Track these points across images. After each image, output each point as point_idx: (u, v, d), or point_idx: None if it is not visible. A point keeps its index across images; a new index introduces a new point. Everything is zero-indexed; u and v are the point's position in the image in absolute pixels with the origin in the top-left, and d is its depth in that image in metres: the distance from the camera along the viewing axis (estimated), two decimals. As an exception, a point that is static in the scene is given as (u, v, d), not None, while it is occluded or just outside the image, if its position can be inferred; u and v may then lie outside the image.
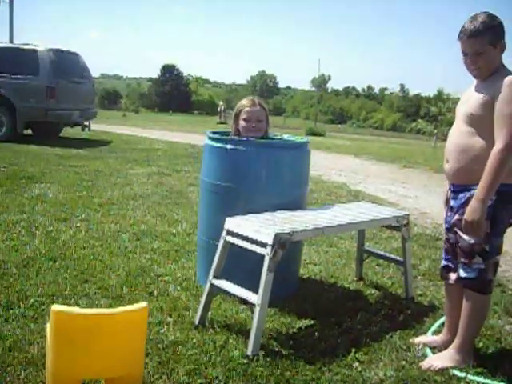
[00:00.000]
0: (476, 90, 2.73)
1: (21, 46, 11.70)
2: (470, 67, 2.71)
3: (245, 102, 3.71)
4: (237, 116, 3.70)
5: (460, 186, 2.77)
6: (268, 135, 3.82)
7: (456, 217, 2.78)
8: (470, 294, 2.74)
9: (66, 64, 11.95)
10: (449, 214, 2.89)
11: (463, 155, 2.71)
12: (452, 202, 2.84)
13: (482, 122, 2.61)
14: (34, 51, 11.36)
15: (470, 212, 2.60)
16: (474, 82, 2.78)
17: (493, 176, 2.53)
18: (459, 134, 2.74)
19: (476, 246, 2.68)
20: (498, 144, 2.52)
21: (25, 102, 11.17)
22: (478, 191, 2.58)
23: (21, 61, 11.37)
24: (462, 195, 2.74)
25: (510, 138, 2.50)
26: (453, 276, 2.89)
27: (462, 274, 2.76)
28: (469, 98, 2.75)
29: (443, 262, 2.98)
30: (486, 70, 2.68)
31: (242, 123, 3.65)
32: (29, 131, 12.63)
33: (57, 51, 11.74)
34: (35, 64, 11.23)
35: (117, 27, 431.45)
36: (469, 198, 2.67)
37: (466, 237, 2.71)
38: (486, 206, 2.57)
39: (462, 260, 2.75)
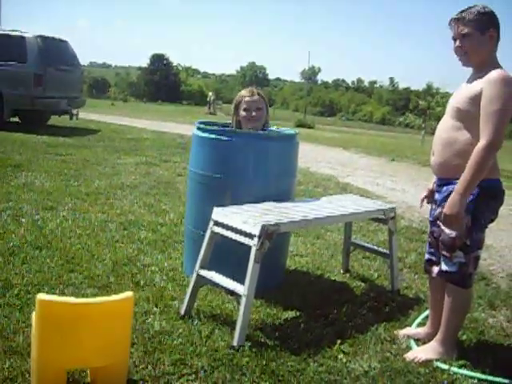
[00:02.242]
0: (465, 85, 2.74)
1: (8, 33, 11.55)
2: (458, 51, 2.72)
3: (244, 92, 3.71)
4: (237, 107, 3.70)
5: (443, 180, 2.79)
6: (268, 126, 3.82)
7: (439, 210, 2.80)
8: (451, 287, 2.77)
9: (55, 51, 11.82)
10: (433, 207, 2.92)
11: (448, 149, 2.73)
12: (436, 195, 2.87)
13: (468, 117, 2.63)
14: (22, 38, 11.22)
15: (450, 205, 2.62)
16: (467, 76, 2.79)
17: (474, 172, 2.55)
18: (446, 127, 2.76)
19: (457, 240, 2.70)
20: (482, 141, 2.54)
21: (12, 90, 11.04)
22: (459, 185, 2.60)
23: (8, 47, 11.23)
24: (444, 189, 2.77)
25: (494, 135, 2.52)
26: (435, 269, 2.92)
27: (444, 267, 2.79)
28: (459, 92, 2.77)
29: (427, 256, 3.01)
30: (473, 54, 2.69)
31: (242, 113, 3.65)
32: (16, 119, 12.52)
33: (45, 38, 11.60)
34: (23, 51, 11.10)
35: (106, 15, 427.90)
36: (451, 192, 2.69)
37: (447, 230, 2.73)
38: (465, 201, 2.60)
39: (444, 253, 2.77)
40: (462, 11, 2.69)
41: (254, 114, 3.63)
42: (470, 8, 2.67)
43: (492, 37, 2.65)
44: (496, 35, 2.66)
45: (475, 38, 2.65)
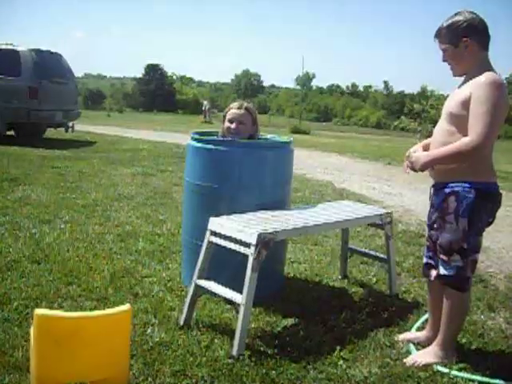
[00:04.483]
0: (457, 89, 2.77)
1: (2, 47, 11.59)
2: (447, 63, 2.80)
3: (233, 104, 3.75)
4: (224, 117, 3.73)
5: (440, 184, 2.80)
6: (256, 138, 3.81)
7: (436, 214, 2.81)
8: (449, 291, 2.77)
9: (49, 64, 11.86)
10: (431, 210, 2.92)
11: None
12: (433, 199, 2.88)
13: (461, 121, 2.64)
14: (16, 52, 11.27)
15: (416, 157, 2.80)
16: (461, 80, 2.82)
17: (447, 156, 2.66)
18: (441, 132, 2.78)
19: (454, 243, 2.71)
20: (469, 138, 2.56)
21: (7, 103, 11.07)
22: (433, 152, 2.75)
23: (2, 61, 11.26)
24: (442, 192, 2.78)
25: (481, 137, 2.53)
26: (433, 273, 2.92)
27: (442, 271, 2.79)
28: (451, 97, 2.79)
29: (425, 259, 3.02)
30: (456, 67, 2.78)
31: (225, 124, 3.67)
32: (11, 132, 12.52)
33: (39, 51, 11.66)
34: (17, 64, 11.14)
35: (100, 27, 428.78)
36: (448, 196, 2.71)
37: (444, 234, 2.75)
38: (428, 165, 2.76)
39: (442, 257, 2.78)
40: (440, 25, 2.75)
41: (233, 126, 3.63)
42: (445, 21, 2.73)
43: (468, 45, 2.67)
44: (475, 42, 2.67)
45: (453, 52, 2.72)
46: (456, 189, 2.69)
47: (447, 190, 2.73)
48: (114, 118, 34.81)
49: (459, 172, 2.68)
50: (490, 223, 2.80)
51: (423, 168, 2.78)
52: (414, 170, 2.83)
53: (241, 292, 2.77)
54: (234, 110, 3.66)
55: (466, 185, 2.67)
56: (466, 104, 2.61)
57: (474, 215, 2.68)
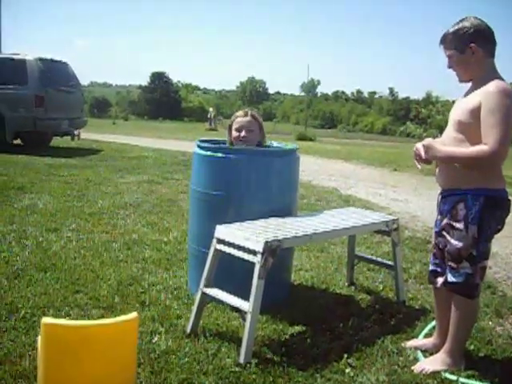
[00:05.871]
0: (465, 97, 2.76)
1: (9, 56, 11.68)
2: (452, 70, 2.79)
3: (238, 113, 3.76)
4: (230, 127, 3.73)
5: (449, 191, 2.79)
6: (264, 144, 3.83)
7: (445, 221, 2.80)
8: (457, 298, 2.76)
9: (55, 73, 11.94)
10: (438, 217, 2.91)
11: None
12: (441, 206, 2.87)
13: (469, 129, 2.63)
14: (23, 60, 11.35)
15: (431, 148, 2.74)
16: (468, 87, 2.81)
17: (462, 158, 2.65)
18: (449, 139, 2.76)
19: (463, 250, 2.70)
20: (487, 147, 2.53)
21: (14, 112, 11.14)
22: (447, 149, 2.70)
23: (9, 70, 11.35)
24: (450, 199, 2.76)
25: (497, 145, 2.52)
26: (440, 280, 2.91)
27: (450, 278, 2.78)
28: (459, 105, 2.78)
29: (431, 267, 3.00)
30: (461, 73, 2.77)
31: (233, 133, 3.68)
32: (18, 141, 12.58)
33: (45, 60, 11.75)
34: (24, 73, 11.22)
35: (106, 35, 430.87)
36: (457, 203, 2.70)
37: (453, 241, 2.73)
38: (440, 156, 2.74)
39: (450, 264, 2.77)
40: (445, 31, 2.74)
41: (243, 134, 3.65)
42: (451, 28, 2.72)
43: (475, 52, 2.66)
44: (481, 48, 2.66)
45: (458, 58, 2.71)
46: (465, 196, 2.68)
47: (456, 197, 2.72)
48: (119, 125, 34.92)
49: (468, 179, 2.67)
50: (499, 230, 2.79)
51: (434, 158, 2.79)
52: (424, 161, 2.83)
53: (247, 300, 2.77)
54: (240, 118, 3.67)
55: (475, 192, 2.66)
56: (474, 112, 2.59)
57: (484, 222, 2.67)
